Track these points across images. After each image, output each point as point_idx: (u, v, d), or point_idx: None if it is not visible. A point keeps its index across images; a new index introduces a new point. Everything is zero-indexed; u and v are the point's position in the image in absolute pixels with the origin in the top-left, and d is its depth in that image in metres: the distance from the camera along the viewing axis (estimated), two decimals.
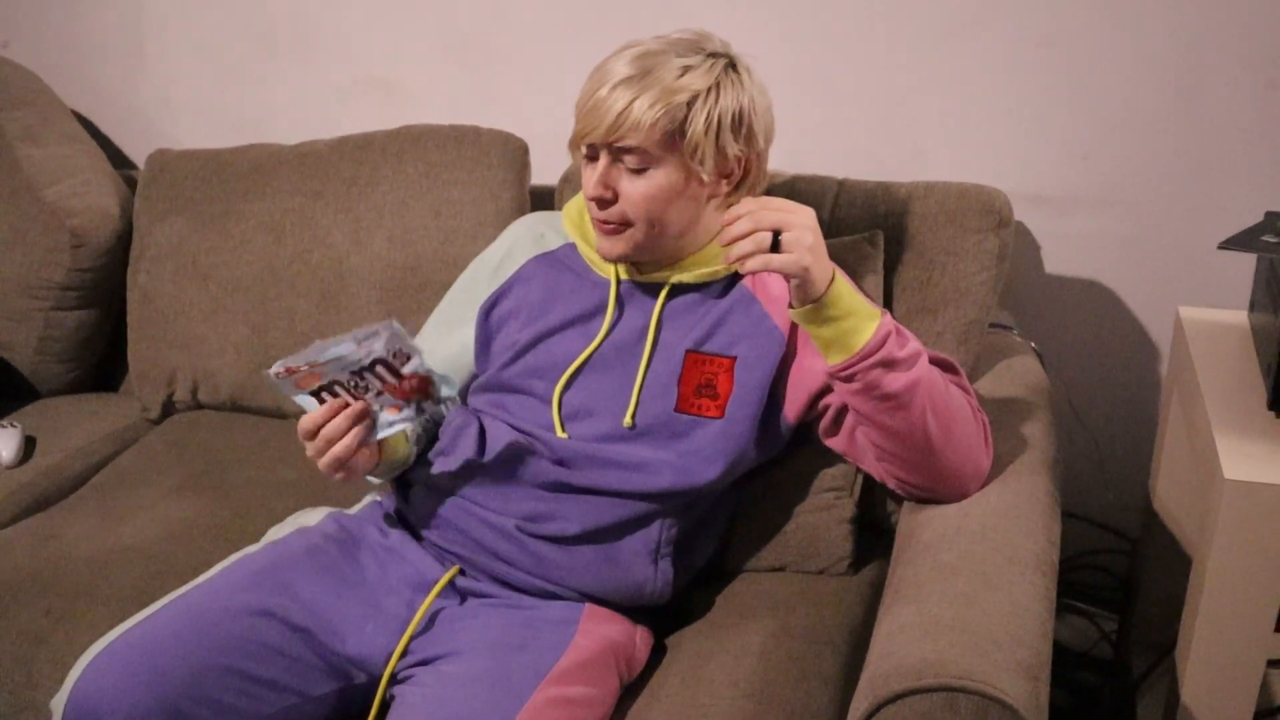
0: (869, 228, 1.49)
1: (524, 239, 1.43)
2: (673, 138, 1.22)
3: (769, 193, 1.54)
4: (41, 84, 2.04)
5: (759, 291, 1.31)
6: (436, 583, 1.27)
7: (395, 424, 1.24)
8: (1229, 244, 1.37)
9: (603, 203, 1.25)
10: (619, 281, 1.33)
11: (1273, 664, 1.46)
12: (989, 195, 1.49)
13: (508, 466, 1.28)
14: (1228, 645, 1.25)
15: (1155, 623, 1.64)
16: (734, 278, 1.32)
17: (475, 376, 1.41)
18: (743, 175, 1.28)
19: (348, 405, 1.21)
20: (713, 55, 1.25)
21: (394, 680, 1.23)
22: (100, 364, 1.96)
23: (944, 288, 1.47)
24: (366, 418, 1.22)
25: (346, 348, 1.18)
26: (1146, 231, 1.70)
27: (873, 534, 1.44)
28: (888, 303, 1.49)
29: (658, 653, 1.30)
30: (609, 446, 1.28)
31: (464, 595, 1.29)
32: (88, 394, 1.95)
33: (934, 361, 1.25)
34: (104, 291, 1.89)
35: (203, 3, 2.01)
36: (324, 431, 1.20)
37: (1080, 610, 1.86)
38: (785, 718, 1.16)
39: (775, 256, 1.13)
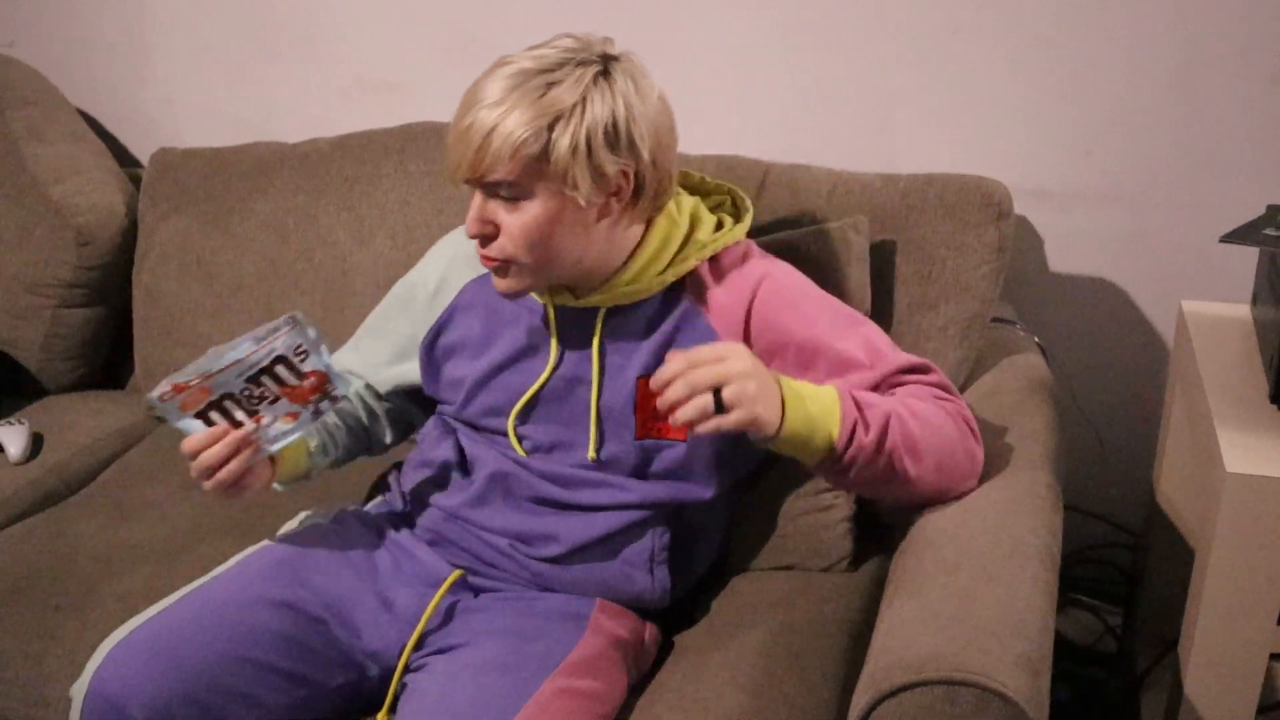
0: (874, 225, 1.48)
1: (457, 261, 1.37)
2: (539, 165, 1.12)
3: (766, 187, 1.54)
4: (47, 83, 2.05)
5: (702, 303, 1.25)
6: (446, 579, 1.29)
7: (290, 434, 1.22)
8: (1231, 237, 1.37)
9: (483, 240, 1.18)
10: (557, 310, 1.26)
11: (1276, 657, 1.46)
12: (988, 187, 1.48)
13: (492, 485, 1.29)
14: (1231, 639, 1.25)
15: (1159, 616, 1.64)
16: (673, 289, 1.25)
17: (407, 390, 1.41)
18: (635, 188, 1.18)
19: (230, 430, 1.19)
20: (582, 64, 1.14)
21: (408, 670, 1.24)
22: (106, 362, 1.97)
23: (944, 282, 1.47)
24: (250, 445, 1.20)
25: (245, 348, 1.16)
26: (1149, 225, 1.70)
27: (873, 530, 1.44)
28: (882, 297, 1.47)
29: (665, 649, 1.31)
30: (582, 473, 1.27)
31: (476, 590, 1.30)
32: (94, 391, 1.96)
33: (904, 371, 1.20)
34: (110, 289, 1.90)
35: (206, 3, 2.02)
36: (201, 458, 1.19)
37: (1084, 604, 1.86)
38: (787, 712, 1.16)
39: (725, 418, 1.04)
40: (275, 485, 1.32)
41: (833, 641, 1.27)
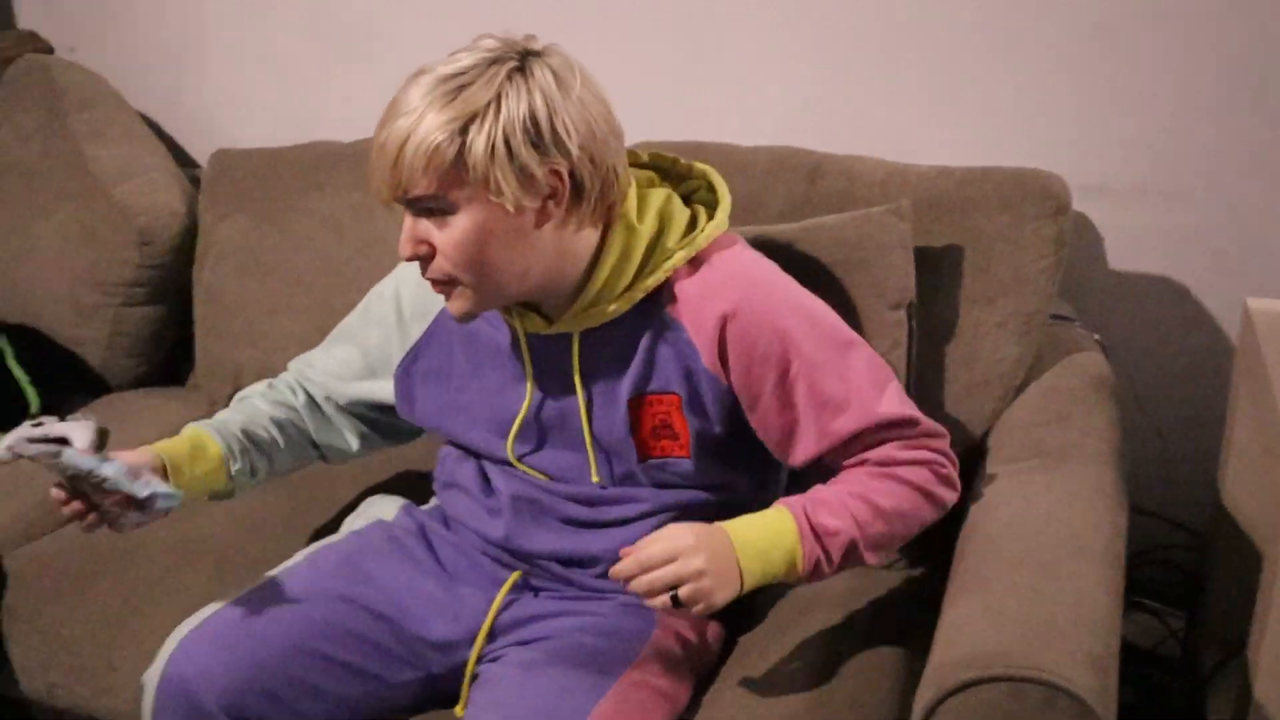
0: (923, 213, 1.46)
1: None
2: (456, 173, 1.05)
3: (819, 177, 1.50)
4: (108, 86, 2.09)
5: (681, 313, 1.16)
6: (507, 580, 1.28)
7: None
8: None
9: (421, 262, 1.12)
10: (529, 338, 1.21)
11: None
12: (1046, 180, 1.46)
13: (519, 510, 1.26)
14: None
15: (1224, 619, 1.60)
16: (649, 299, 1.16)
17: (372, 405, 1.36)
18: (573, 188, 1.09)
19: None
20: (498, 62, 1.07)
21: (480, 660, 1.24)
22: (168, 359, 2.00)
23: (1002, 276, 1.45)
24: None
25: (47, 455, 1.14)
26: (1212, 222, 1.67)
27: (933, 526, 1.42)
28: (937, 290, 1.44)
29: (727, 647, 1.30)
30: (600, 492, 1.25)
31: (535, 590, 1.30)
32: (156, 388, 1.99)
33: (886, 426, 1.15)
34: (171, 288, 1.93)
35: (263, 5, 2.04)
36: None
37: (1146, 607, 1.82)
38: (847, 708, 1.15)
39: (690, 611, 1.05)
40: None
41: (894, 639, 1.25)
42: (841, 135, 1.68)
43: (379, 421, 1.39)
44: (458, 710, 1.23)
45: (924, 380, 1.43)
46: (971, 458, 1.39)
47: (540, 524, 1.26)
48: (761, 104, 1.75)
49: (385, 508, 1.41)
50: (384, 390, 1.34)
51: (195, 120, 2.16)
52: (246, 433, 1.33)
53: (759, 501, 1.16)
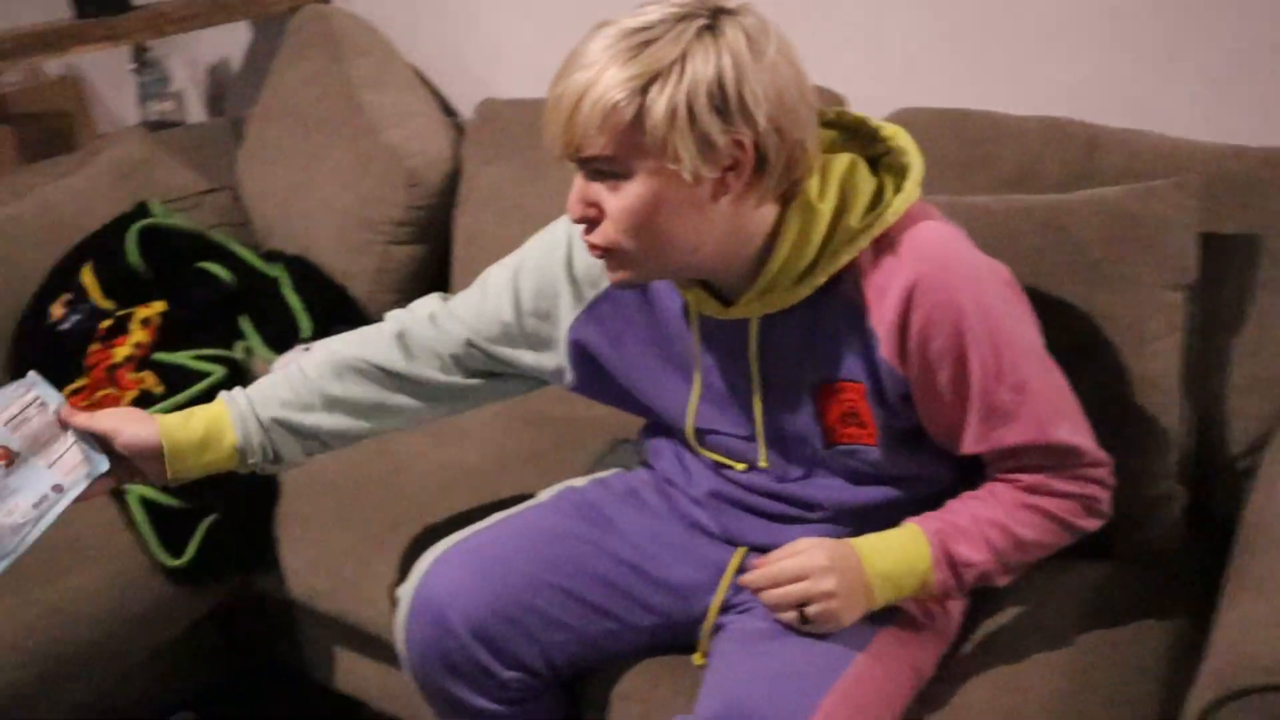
0: (1218, 199, 1.37)
1: None
2: (633, 135, 0.99)
3: (1095, 151, 1.41)
4: (381, 37, 2.20)
5: (862, 296, 1.08)
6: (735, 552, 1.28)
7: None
8: None
9: (587, 224, 1.06)
10: (701, 321, 1.15)
11: None
12: None
13: (719, 505, 1.26)
14: None
15: None
16: (832, 282, 1.08)
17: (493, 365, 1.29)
18: (757, 160, 1.01)
19: None
20: (686, 18, 0.99)
21: (724, 610, 1.25)
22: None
23: None
24: None
25: None
26: None
27: (1201, 521, 1.35)
28: (1225, 276, 1.34)
29: (971, 626, 1.27)
30: (790, 487, 1.20)
31: None
32: None
33: (1060, 451, 1.10)
34: (433, 229, 2.02)
35: None
36: None
37: None
38: (1103, 703, 1.12)
39: (811, 628, 1.09)
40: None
41: (1153, 634, 1.20)
42: (1118, 108, 1.59)
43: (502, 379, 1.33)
44: (695, 659, 1.26)
45: (1203, 369, 1.35)
46: (1248, 455, 1.31)
47: (744, 519, 1.25)
48: (1028, 71, 1.67)
49: (627, 458, 1.44)
50: (529, 357, 1.28)
51: (461, 71, 2.24)
52: (280, 421, 1.26)
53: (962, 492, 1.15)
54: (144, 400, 1.71)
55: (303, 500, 1.62)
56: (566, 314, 1.24)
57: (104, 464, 1.17)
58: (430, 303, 1.36)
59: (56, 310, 1.91)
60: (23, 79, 2.83)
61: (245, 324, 1.92)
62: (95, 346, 1.84)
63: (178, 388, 1.72)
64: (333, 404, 1.28)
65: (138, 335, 1.83)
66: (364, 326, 1.35)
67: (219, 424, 1.24)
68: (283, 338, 1.89)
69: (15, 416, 1.17)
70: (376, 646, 1.50)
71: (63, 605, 1.50)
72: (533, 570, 1.25)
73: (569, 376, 1.27)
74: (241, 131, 2.30)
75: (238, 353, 1.85)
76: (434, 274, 2.06)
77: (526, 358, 1.28)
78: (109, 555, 1.57)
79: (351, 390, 1.28)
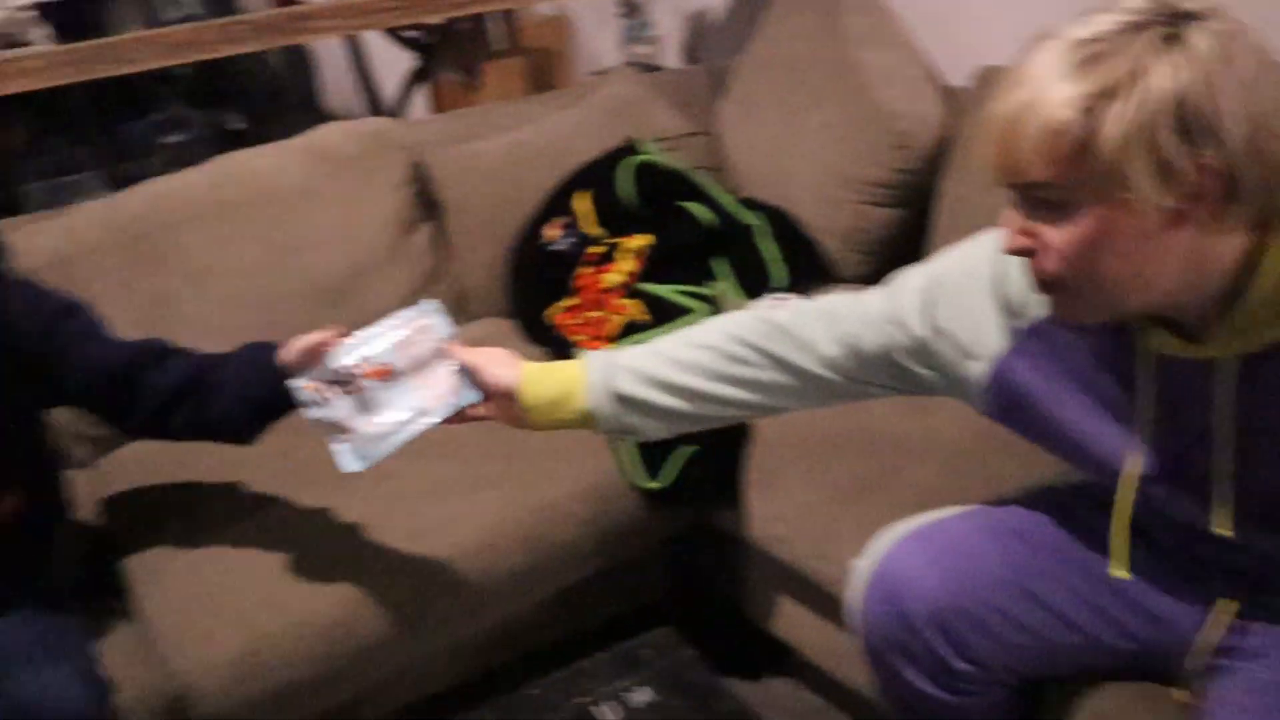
0: None
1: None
2: (1081, 161, 0.88)
3: None
4: None
5: None
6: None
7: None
8: None
9: (1025, 256, 0.96)
10: (1159, 361, 1.01)
11: None
12: None
13: (1177, 561, 1.15)
14: None
15: None
16: None
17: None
18: (1226, 187, 0.88)
19: None
20: (1141, 26, 0.87)
21: (1219, 652, 1.16)
22: (893, 260, 2.07)
23: None
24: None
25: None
26: None
27: None
28: None
29: None
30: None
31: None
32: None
33: None
34: (914, 194, 1.99)
35: None
36: None
37: None
38: None
39: None
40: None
41: None
42: None
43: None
44: (1176, 694, 1.17)
45: None
46: None
47: (1204, 583, 1.15)
48: None
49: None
50: (927, 375, 1.18)
51: (953, 36, 2.18)
52: (628, 398, 1.21)
53: None
54: (631, 327, 1.81)
55: (774, 450, 1.66)
56: (989, 344, 1.12)
57: (472, 396, 1.23)
58: (798, 303, 1.27)
59: (550, 232, 2.06)
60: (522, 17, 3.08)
61: (720, 266, 1.98)
62: (586, 270, 1.97)
63: (661, 319, 1.81)
64: (692, 396, 1.22)
65: (628, 264, 1.93)
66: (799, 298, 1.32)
67: (573, 386, 1.23)
68: (755, 284, 1.94)
69: (405, 339, 1.26)
70: (822, 601, 1.52)
71: (554, 504, 1.63)
72: (1002, 573, 1.20)
73: (980, 405, 1.17)
74: (721, 79, 2.37)
75: (714, 291, 1.92)
76: (905, 239, 2.03)
77: (925, 375, 1.19)
78: (592, 468, 1.68)
79: (719, 384, 1.22)
